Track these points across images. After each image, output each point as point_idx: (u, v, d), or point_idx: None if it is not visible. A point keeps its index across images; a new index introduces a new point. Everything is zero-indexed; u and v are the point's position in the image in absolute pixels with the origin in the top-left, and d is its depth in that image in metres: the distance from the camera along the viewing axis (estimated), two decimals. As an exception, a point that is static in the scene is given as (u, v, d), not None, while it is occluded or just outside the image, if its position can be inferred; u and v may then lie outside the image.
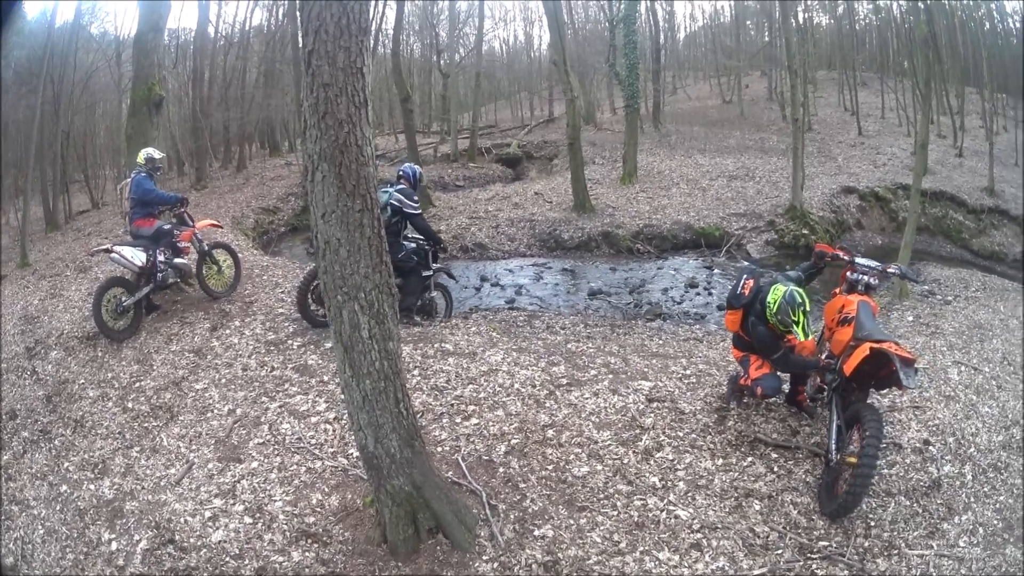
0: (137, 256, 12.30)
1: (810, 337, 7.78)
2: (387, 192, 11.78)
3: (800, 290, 7.63)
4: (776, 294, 7.64)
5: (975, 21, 45.09)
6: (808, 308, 7.58)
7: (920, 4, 24.13)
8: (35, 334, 13.53)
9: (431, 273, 12.88)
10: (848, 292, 8.14)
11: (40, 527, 7.69)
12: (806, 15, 49.97)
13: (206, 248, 13.70)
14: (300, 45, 5.47)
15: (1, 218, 27.23)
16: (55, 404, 10.60)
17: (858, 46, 55.15)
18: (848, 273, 8.34)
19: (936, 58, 29.82)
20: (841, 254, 8.54)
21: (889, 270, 8.65)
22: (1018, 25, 44.45)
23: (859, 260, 8.43)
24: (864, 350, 6.68)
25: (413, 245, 12.35)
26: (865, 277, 8.18)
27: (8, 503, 8.35)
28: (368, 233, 5.59)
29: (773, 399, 8.65)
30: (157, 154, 13.20)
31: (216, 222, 15.98)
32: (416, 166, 12.96)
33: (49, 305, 15.23)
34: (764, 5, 53.78)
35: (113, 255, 12.28)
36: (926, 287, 13.51)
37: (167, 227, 12.85)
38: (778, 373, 8.29)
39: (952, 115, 35.57)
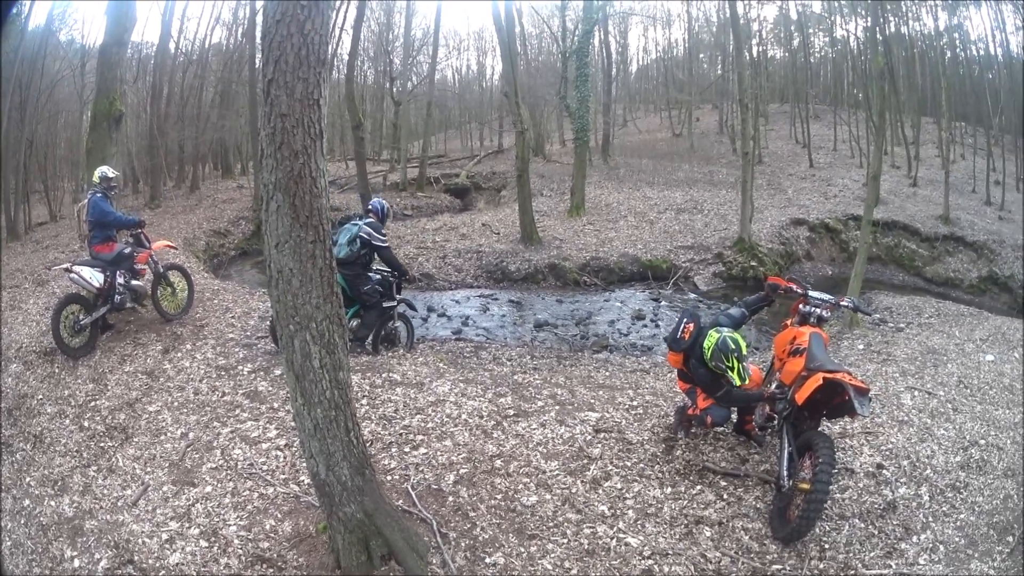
0: (95, 277, 12.31)
1: (745, 380, 7.86)
2: (356, 225, 12.08)
3: (734, 335, 7.78)
4: (710, 341, 7.78)
5: (935, 50, 45.68)
6: (743, 352, 7.74)
7: (879, 36, 24.43)
8: (-7, 346, 13.42)
9: (395, 304, 13.03)
10: (800, 324, 8.27)
11: (7, 539, 7.66)
12: (760, 48, 50.61)
13: (161, 270, 13.70)
14: (260, 74, 5.48)
15: None
16: (15, 418, 10.52)
17: (812, 79, 56.06)
18: (800, 306, 8.47)
19: (892, 89, 30.29)
20: (794, 287, 8.64)
21: (842, 303, 8.78)
22: (980, 53, 45.19)
23: (812, 293, 8.55)
24: (817, 379, 6.80)
25: (379, 277, 12.61)
26: (817, 310, 8.32)
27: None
28: (320, 264, 5.61)
29: (721, 428, 8.75)
30: (111, 172, 13.18)
31: (171, 243, 16.07)
32: (384, 201, 13.25)
33: (8, 316, 15.05)
34: (718, 38, 54.35)
35: (72, 275, 12.25)
36: (878, 316, 13.65)
37: (127, 251, 12.85)
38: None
39: (907, 145, 36.28)
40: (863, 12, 41.52)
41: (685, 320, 8.39)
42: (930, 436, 8.83)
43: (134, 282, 13.05)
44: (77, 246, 18.96)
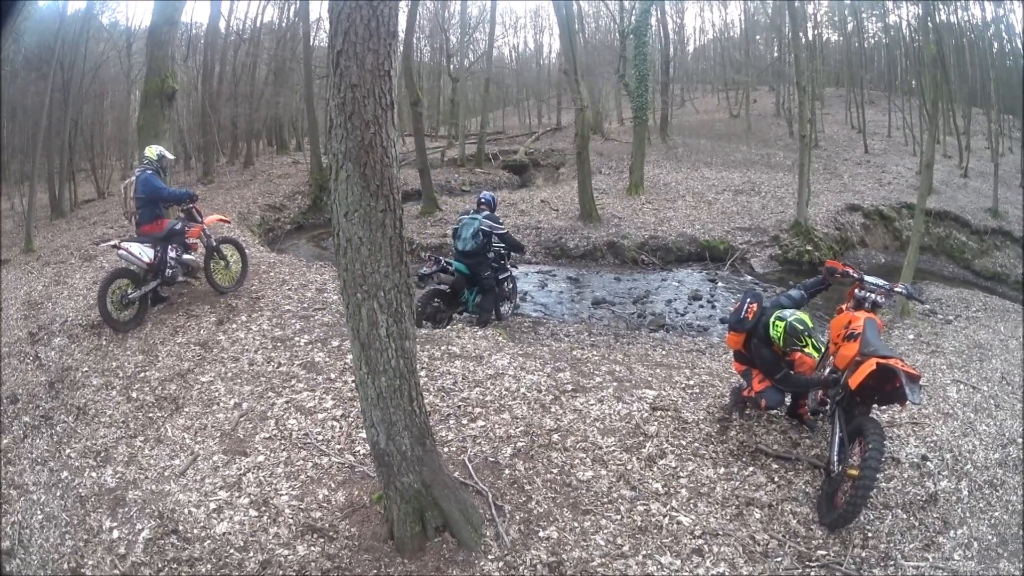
0: (145, 252, 12.34)
1: (823, 350, 7.96)
2: (475, 219, 13.71)
3: (801, 316, 7.83)
4: (778, 329, 7.84)
5: (984, 41, 45.11)
6: (812, 327, 7.80)
7: (929, 24, 24.18)
8: (38, 320, 13.57)
9: (509, 273, 15.04)
10: (855, 309, 8.25)
11: (39, 512, 7.69)
12: (816, 32, 50.05)
13: (214, 244, 13.68)
14: (328, 45, 5.50)
15: (3, 203, 27.22)
16: (57, 391, 10.62)
17: (866, 64, 55.24)
18: (856, 290, 8.46)
19: (944, 78, 29.85)
20: (851, 271, 8.63)
21: (896, 289, 8.76)
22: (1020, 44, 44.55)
23: (867, 278, 8.54)
24: (871, 364, 6.77)
25: (492, 255, 14.19)
26: (872, 295, 8.30)
27: (7, 487, 8.36)
28: (390, 233, 5.65)
29: (775, 411, 8.75)
30: (169, 154, 13.23)
31: (224, 217, 16.08)
32: (492, 194, 15.17)
33: (53, 292, 15.25)
34: (774, 20, 53.63)
35: (120, 251, 12.32)
36: (928, 307, 13.55)
37: (178, 226, 12.86)
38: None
39: (958, 135, 35.66)
40: (913, -3, 41.16)
41: (749, 300, 8.43)
42: (972, 431, 8.82)
43: (186, 256, 13.10)
44: (111, 228, 19.14)
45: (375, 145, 5.44)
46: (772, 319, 7.97)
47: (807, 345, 7.74)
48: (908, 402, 6.70)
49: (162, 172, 12.95)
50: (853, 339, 7.55)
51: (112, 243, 12.76)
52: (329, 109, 5.56)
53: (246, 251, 14.97)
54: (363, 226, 5.57)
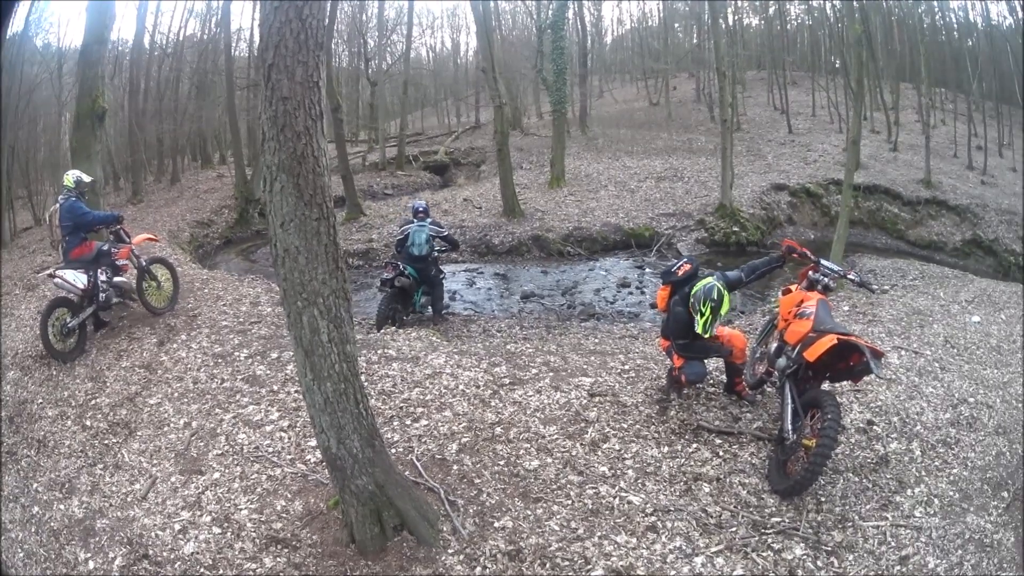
0: (79, 278, 12.29)
1: (707, 334, 8.08)
2: (423, 226, 14.96)
3: (722, 288, 8.01)
4: (701, 283, 8.06)
5: (914, 18, 45.70)
6: (722, 310, 8.00)
7: (855, 3, 24.54)
8: (-12, 353, 13.45)
9: (443, 273, 16.09)
10: (807, 290, 8.48)
11: (19, 550, 7.64)
12: (736, 17, 50.53)
13: (144, 264, 13.58)
14: (260, 59, 5.56)
15: None
16: (17, 425, 10.49)
17: (789, 46, 55.68)
18: (810, 272, 8.67)
19: (871, 56, 30.36)
20: (808, 253, 8.84)
21: (849, 276, 9.00)
22: (958, 19, 45.24)
23: (823, 262, 8.78)
24: (831, 340, 6.95)
25: (437, 265, 15.47)
26: (825, 279, 8.54)
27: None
28: (325, 240, 5.73)
29: (713, 389, 9.05)
30: (86, 177, 13.07)
31: (153, 236, 15.98)
32: (423, 201, 16.69)
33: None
34: (693, 7, 54.25)
35: (56, 279, 12.27)
36: (874, 292, 13.81)
37: (105, 247, 12.80)
38: (704, 360, 8.65)
39: (886, 111, 36.12)
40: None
41: (684, 260, 8.77)
42: (919, 394, 9.07)
43: (117, 278, 13.00)
44: (50, 255, 18.98)
45: (307, 156, 5.52)
46: (703, 278, 8.23)
47: (703, 315, 7.91)
48: (873, 375, 6.94)
49: (82, 196, 12.81)
50: (805, 317, 7.76)
51: (48, 272, 12.70)
52: (262, 122, 5.62)
53: (176, 269, 14.92)
54: (299, 235, 5.64)
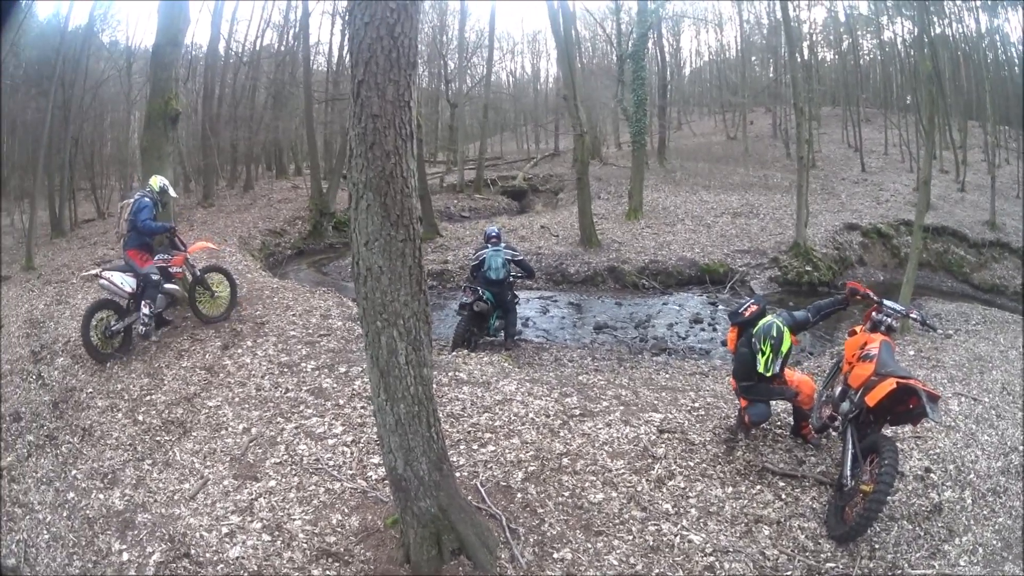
0: (127, 282, 12.24)
1: (769, 373, 8.01)
2: (498, 250, 15.06)
3: (782, 326, 7.99)
4: (762, 321, 8.05)
5: (979, 53, 45.21)
6: (783, 348, 7.93)
7: (925, 39, 24.29)
8: (40, 339, 13.66)
9: (517, 299, 15.97)
10: (871, 331, 8.37)
11: (45, 532, 7.76)
12: (811, 51, 50.20)
13: (198, 273, 13.53)
14: (350, 75, 5.56)
15: (3, 219, 27.25)
16: (62, 411, 10.67)
17: (862, 82, 55.36)
18: (873, 313, 8.57)
19: (940, 93, 29.98)
20: (871, 294, 8.76)
21: (912, 315, 9.00)
22: (1019, 50, 44.60)
23: (886, 302, 8.66)
24: (891, 384, 6.90)
25: (512, 290, 15.57)
26: (889, 319, 8.43)
27: (11, 505, 8.43)
28: (410, 262, 5.71)
29: (780, 431, 8.95)
30: (172, 192, 13.14)
31: (211, 244, 16.15)
32: (496, 227, 16.64)
33: (55, 311, 15.37)
34: (770, 41, 53.82)
35: (102, 281, 12.24)
36: (937, 332, 13.64)
37: (155, 277, 12.43)
38: (768, 402, 8.57)
39: (955, 149, 35.77)
40: (908, 13, 41.26)
41: (752, 301, 8.73)
42: (975, 441, 8.96)
43: (168, 285, 12.90)
44: (112, 249, 19.18)
45: (396, 175, 5.51)
46: (765, 317, 8.19)
47: (763, 353, 7.87)
48: (930, 420, 6.88)
49: (159, 206, 12.77)
50: (868, 359, 7.66)
51: (93, 272, 12.74)
52: (349, 139, 5.61)
53: (235, 278, 14.80)
54: (383, 255, 5.62)
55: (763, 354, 7.86)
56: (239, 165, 38.78)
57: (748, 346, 8.20)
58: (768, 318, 8.11)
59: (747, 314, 8.54)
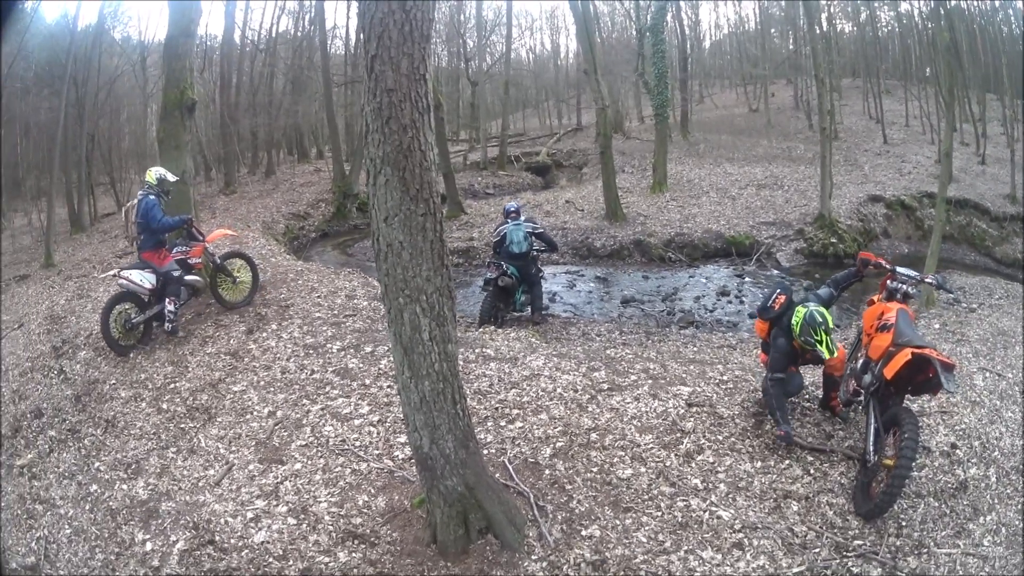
0: (146, 279, 12.22)
1: (834, 353, 7.96)
2: (519, 224, 15.11)
3: (821, 310, 7.92)
4: (798, 316, 7.93)
5: (994, 26, 44.91)
6: (830, 325, 7.86)
7: (941, 11, 24.10)
8: (62, 334, 13.66)
9: (542, 272, 15.97)
10: (887, 300, 8.31)
11: (67, 526, 7.76)
12: (830, 23, 49.87)
13: (219, 261, 13.49)
14: (363, 49, 5.52)
15: (19, 219, 27.48)
16: (84, 404, 10.67)
17: (881, 54, 54.79)
18: (888, 281, 8.51)
19: (958, 65, 29.75)
20: (883, 263, 8.68)
21: (927, 280, 8.87)
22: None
23: (899, 269, 8.59)
24: (906, 355, 6.80)
25: (536, 263, 15.57)
26: (904, 286, 8.36)
27: (32, 502, 8.43)
28: (431, 237, 5.66)
29: (808, 404, 8.87)
30: (171, 176, 12.89)
31: (230, 231, 16.16)
32: (515, 203, 16.91)
33: (76, 306, 15.41)
34: (788, 13, 53.43)
35: (121, 280, 12.24)
36: (953, 296, 13.56)
37: (175, 274, 12.44)
38: (799, 372, 8.57)
39: (974, 122, 35.39)
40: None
41: (778, 291, 8.61)
42: (999, 418, 8.84)
43: (189, 276, 12.86)
44: (122, 248, 19.21)
45: (413, 149, 5.46)
46: (796, 308, 8.09)
47: (821, 341, 7.78)
48: (943, 390, 6.74)
49: (164, 196, 12.65)
50: (886, 330, 7.58)
51: (112, 273, 12.81)
52: (364, 114, 5.57)
53: (256, 263, 14.72)
54: (403, 230, 5.57)
55: (821, 343, 7.79)
56: (260, 151, 38.87)
57: (785, 336, 8.18)
58: (802, 309, 8.01)
59: (776, 307, 8.49)
